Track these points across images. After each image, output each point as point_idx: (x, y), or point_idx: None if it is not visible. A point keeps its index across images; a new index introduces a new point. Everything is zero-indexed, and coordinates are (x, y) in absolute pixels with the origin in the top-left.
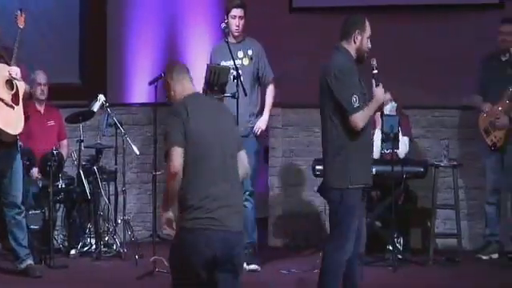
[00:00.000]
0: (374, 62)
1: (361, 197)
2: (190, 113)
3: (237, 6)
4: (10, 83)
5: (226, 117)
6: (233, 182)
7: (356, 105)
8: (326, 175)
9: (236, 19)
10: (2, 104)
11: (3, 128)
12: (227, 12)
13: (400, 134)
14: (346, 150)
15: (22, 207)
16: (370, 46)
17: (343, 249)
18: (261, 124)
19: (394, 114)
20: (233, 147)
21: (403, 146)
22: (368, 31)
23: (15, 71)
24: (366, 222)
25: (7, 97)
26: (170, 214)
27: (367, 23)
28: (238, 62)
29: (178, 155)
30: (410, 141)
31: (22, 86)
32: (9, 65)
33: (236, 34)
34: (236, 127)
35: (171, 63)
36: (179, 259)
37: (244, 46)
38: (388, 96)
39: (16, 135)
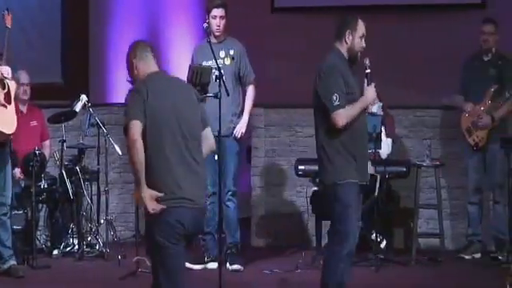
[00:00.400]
0: (367, 62)
1: (357, 192)
2: (150, 91)
3: (217, 6)
4: (1, 83)
5: (189, 96)
6: (197, 159)
7: (336, 103)
8: (319, 173)
9: (217, 19)
10: None
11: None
12: (208, 12)
13: (383, 134)
14: (334, 148)
15: (8, 208)
16: (363, 45)
17: (341, 245)
18: (241, 126)
19: (381, 113)
20: (195, 126)
21: (386, 146)
22: (360, 31)
23: (6, 70)
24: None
25: (0, 96)
26: (150, 190)
27: (360, 23)
28: (219, 61)
29: (136, 126)
30: (393, 142)
31: (13, 86)
32: None
33: (217, 33)
34: (199, 106)
35: (134, 42)
36: (156, 237)
37: (225, 45)
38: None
39: (10, 135)
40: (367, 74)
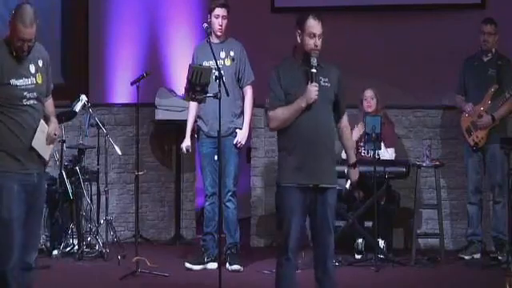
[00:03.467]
0: (315, 62)
1: (299, 196)
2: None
3: (220, 6)
4: None
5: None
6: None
7: (267, 106)
8: None
9: (219, 19)
10: None
11: None
12: (210, 11)
13: (383, 146)
14: (281, 148)
15: None
16: (315, 44)
17: (283, 248)
18: (241, 138)
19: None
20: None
21: (388, 156)
22: (309, 29)
23: None
24: (348, 223)
25: None
26: None
27: (308, 22)
28: (219, 62)
29: None
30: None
31: None
32: None
33: (219, 33)
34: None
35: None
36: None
37: (226, 46)
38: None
39: None
40: (312, 73)
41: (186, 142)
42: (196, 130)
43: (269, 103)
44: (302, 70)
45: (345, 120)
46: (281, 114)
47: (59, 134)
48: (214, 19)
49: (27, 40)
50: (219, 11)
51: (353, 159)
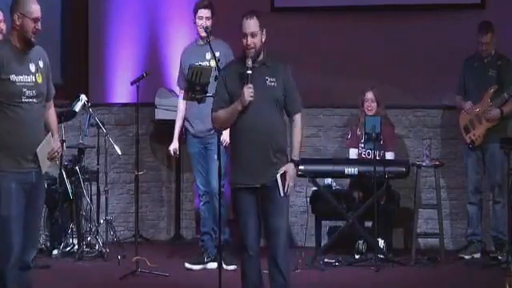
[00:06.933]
0: (249, 63)
1: (246, 196)
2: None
3: (204, 7)
4: None
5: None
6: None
7: (212, 106)
8: None
9: (203, 20)
10: None
11: None
12: (195, 12)
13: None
14: (230, 150)
15: None
16: (247, 43)
17: (244, 247)
18: (226, 137)
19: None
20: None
21: (389, 158)
22: (241, 30)
23: None
24: (348, 223)
25: None
26: None
27: (242, 22)
28: (205, 63)
29: None
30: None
31: None
32: None
33: (203, 34)
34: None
35: None
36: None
37: (212, 47)
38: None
39: None
40: (247, 75)
41: (174, 145)
42: (184, 131)
43: (213, 104)
44: (244, 70)
45: (297, 118)
46: (220, 115)
47: (60, 152)
48: (198, 21)
49: (39, 19)
50: (202, 12)
51: (294, 156)
